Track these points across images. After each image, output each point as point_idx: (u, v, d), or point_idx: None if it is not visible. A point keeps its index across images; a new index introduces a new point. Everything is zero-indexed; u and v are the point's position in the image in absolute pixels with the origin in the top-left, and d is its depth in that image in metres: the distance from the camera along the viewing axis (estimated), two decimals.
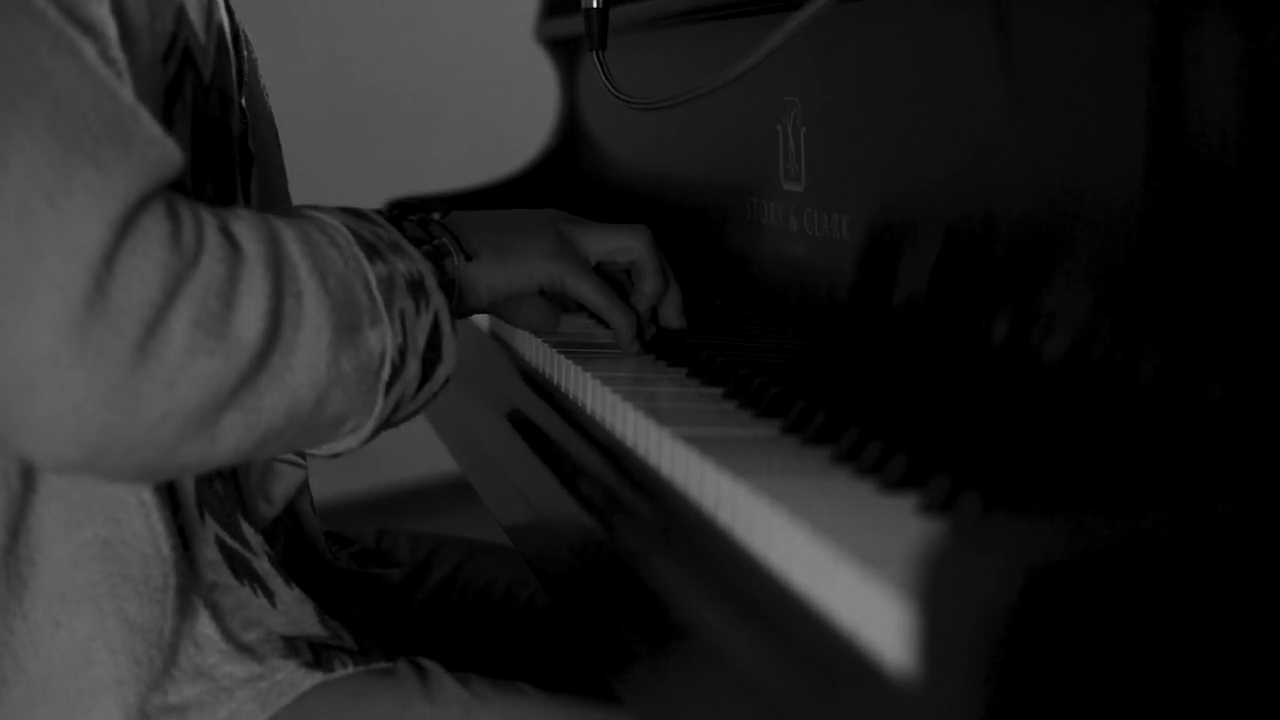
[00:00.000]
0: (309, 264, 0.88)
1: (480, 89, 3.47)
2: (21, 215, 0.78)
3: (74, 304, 0.78)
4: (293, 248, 0.88)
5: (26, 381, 0.79)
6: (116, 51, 0.85)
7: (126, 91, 0.83)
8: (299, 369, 0.86)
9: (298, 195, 1.14)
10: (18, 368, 0.79)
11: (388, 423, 0.94)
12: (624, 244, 1.15)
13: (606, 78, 1.20)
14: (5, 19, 0.81)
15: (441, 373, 0.96)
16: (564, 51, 1.82)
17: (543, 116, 1.87)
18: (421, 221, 1.04)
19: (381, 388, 0.91)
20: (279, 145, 1.12)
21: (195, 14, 0.96)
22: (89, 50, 0.82)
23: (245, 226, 0.86)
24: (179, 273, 0.81)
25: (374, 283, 0.91)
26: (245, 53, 1.05)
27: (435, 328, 0.94)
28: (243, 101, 1.03)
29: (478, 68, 3.47)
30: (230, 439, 0.85)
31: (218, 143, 1.00)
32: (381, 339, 0.90)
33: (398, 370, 0.92)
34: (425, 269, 0.95)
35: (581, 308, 1.18)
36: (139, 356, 0.80)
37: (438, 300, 0.95)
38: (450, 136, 3.40)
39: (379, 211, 1.01)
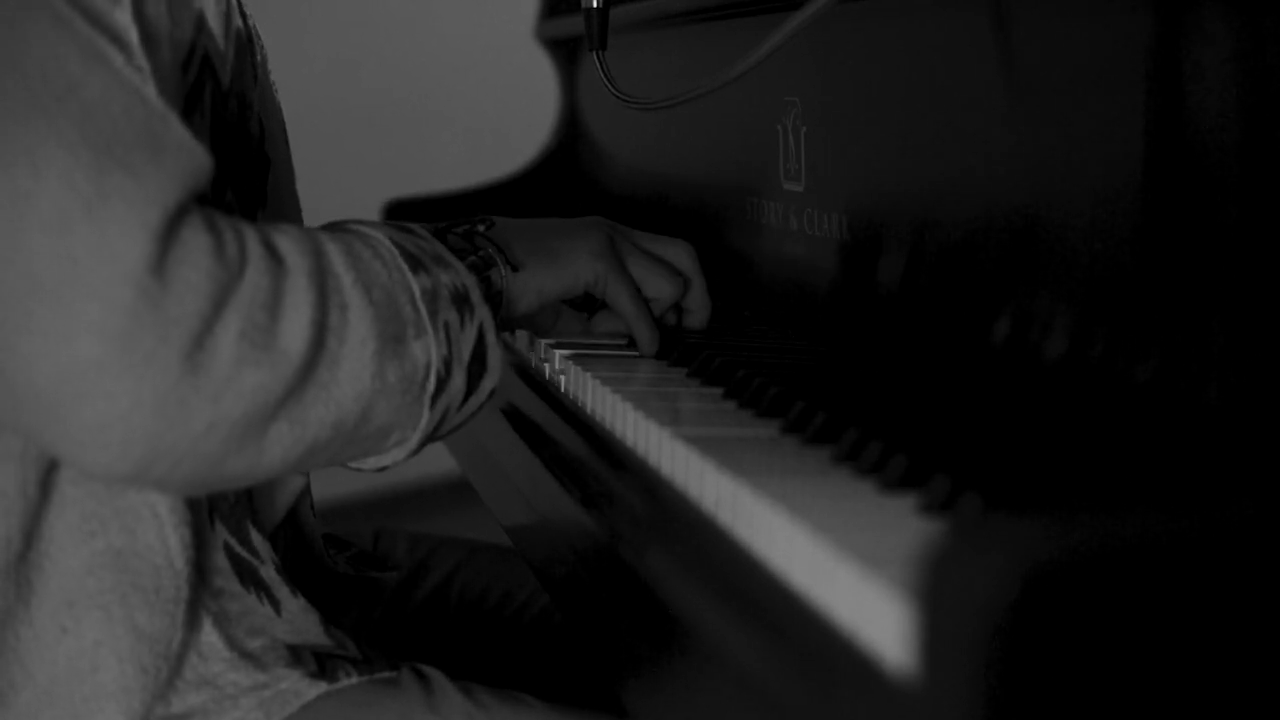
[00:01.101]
0: (353, 276, 0.88)
1: (480, 89, 3.47)
2: (59, 224, 0.78)
3: (120, 312, 0.78)
4: (336, 260, 0.88)
5: (74, 390, 0.79)
6: (141, 59, 0.85)
7: (155, 98, 0.83)
8: (344, 381, 0.86)
9: (300, 195, 1.14)
10: (66, 376, 0.78)
11: (433, 435, 0.94)
12: (672, 253, 1.16)
13: (606, 78, 1.20)
14: (35, 29, 0.81)
15: (487, 384, 0.95)
16: (564, 51, 1.82)
17: (543, 116, 1.87)
18: (466, 234, 1.04)
19: (427, 399, 0.91)
20: (287, 143, 1.12)
21: (214, 21, 0.95)
22: (117, 58, 0.82)
23: (288, 240, 0.86)
24: (225, 284, 0.81)
25: (418, 294, 0.91)
26: (257, 50, 1.05)
27: (480, 339, 0.94)
28: (256, 103, 1.03)
29: (478, 68, 3.47)
30: (277, 451, 0.85)
31: (237, 148, 1.00)
32: (426, 351, 0.90)
33: (443, 382, 0.92)
34: (469, 281, 0.95)
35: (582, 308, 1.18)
36: (186, 367, 0.80)
37: (482, 312, 0.95)
38: (451, 137, 3.40)
39: (423, 224, 1.01)
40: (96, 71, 0.81)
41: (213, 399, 0.81)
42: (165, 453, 0.81)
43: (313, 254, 0.87)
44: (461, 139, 3.38)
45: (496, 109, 3.37)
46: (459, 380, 0.93)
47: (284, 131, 1.11)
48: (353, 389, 0.86)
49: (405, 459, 0.95)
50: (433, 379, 0.91)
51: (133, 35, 0.85)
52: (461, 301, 0.94)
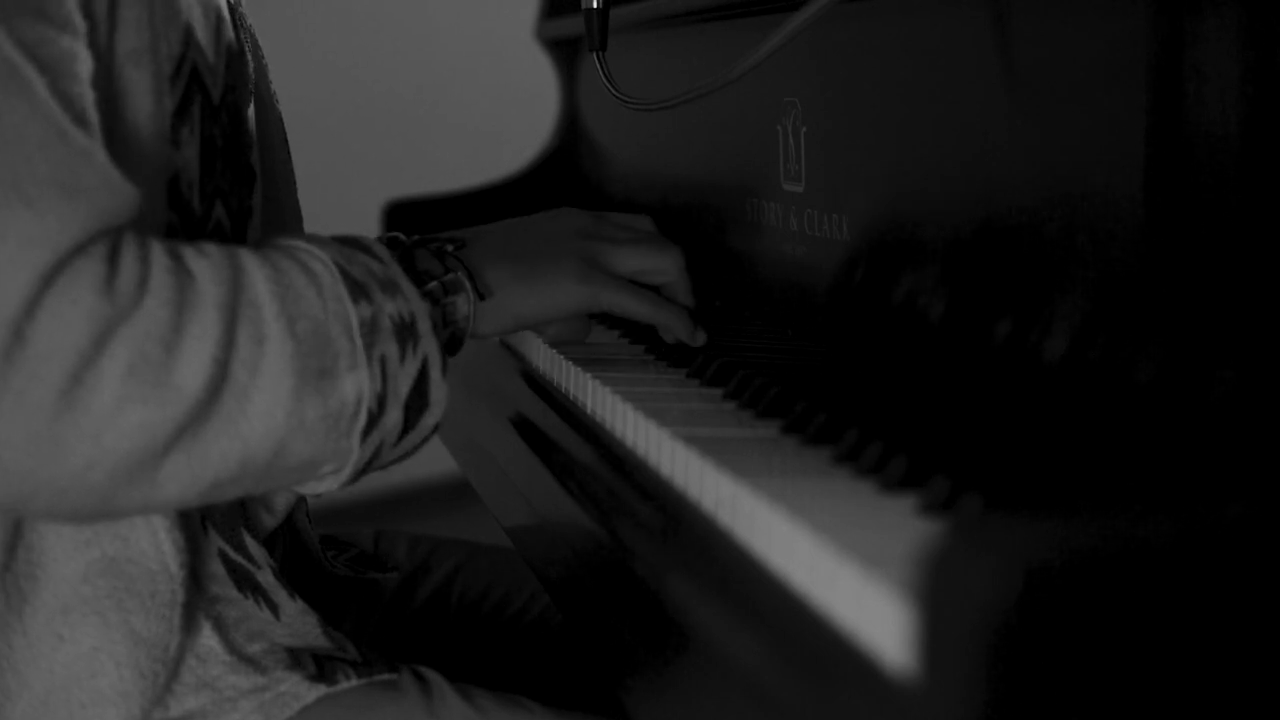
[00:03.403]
0: (277, 306, 0.85)
1: (480, 89, 3.47)
2: None
3: None
4: (260, 289, 0.85)
5: None
6: (84, 88, 0.83)
7: (80, 134, 0.81)
8: (254, 416, 0.83)
9: (300, 196, 1.14)
10: None
11: (368, 468, 0.92)
12: (656, 265, 1.11)
13: (606, 78, 1.20)
14: None
15: (429, 420, 0.92)
16: (564, 51, 1.82)
17: (543, 116, 1.87)
18: (438, 252, 1.00)
19: (357, 435, 0.88)
20: (288, 150, 1.11)
21: (203, 34, 0.94)
22: (41, 90, 0.80)
23: (207, 265, 0.84)
24: (110, 319, 0.79)
25: (355, 325, 0.87)
26: (253, 59, 1.04)
27: (423, 374, 0.91)
28: (250, 117, 1.02)
29: (478, 68, 3.47)
30: (174, 486, 0.83)
31: (228, 162, 0.98)
32: (358, 385, 0.87)
33: (375, 418, 0.88)
34: (420, 310, 0.91)
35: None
36: (61, 404, 0.78)
37: (429, 345, 0.91)
38: (451, 137, 3.40)
39: (392, 238, 0.98)
40: (16, 103, 0.80)
41: (92, 436, 0.79)
42: (42, 487, 0.80)
43: (229, 283, 0.84)
44: (461, 139, 3.38)
45: (496, 109, 3.37)
46: (394, 415, 0.90)
47: (285, 141, 1.10)
48: (263, 425, 0.84)
49: (339, 489, 0.92)
50: (363, 415, 0.88)
51: (78, 64, 0.83)
52: (405, 332, 0.90)
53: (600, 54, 1.20)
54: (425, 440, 0.94)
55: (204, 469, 0.83)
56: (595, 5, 1.21)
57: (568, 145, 1.81)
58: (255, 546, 0.99)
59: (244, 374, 0.83)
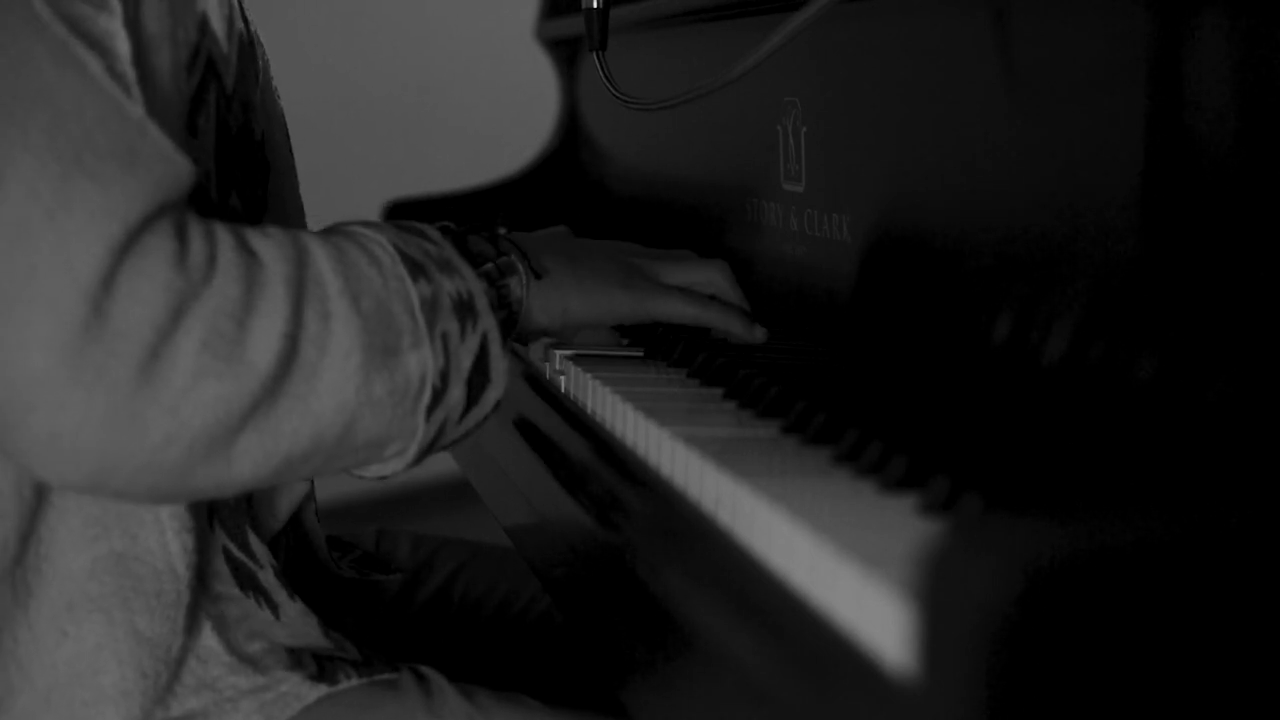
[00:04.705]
0: (340, 284, 0.86)
1: (480, 89, 3.47)
2: (19, 234, 0.77)
3: (69, 325, 0.77)
4: (323, 266, 0.86)
5: (24, 402, 0.78)
6: (126, 66, 0.84)
7: (134, 107, 0.82)
8: (324, 393, 0.84)
9: (302, 196, 1.14)
10: (14, 388, 0.78)
11: (433, 447, 0.92)
12: (705, 277, 1.12)
13: (606, 78, 1.20)
14: (7, 32, 0.80)
15: (491, 396, 0.93)
16: (564, 51, 1.82)
17: (543, 116, 1.87)
18: (490, 237, 1.01)
19: (422, 412, 0.89)
20: (290, 147, 1.11)
21: (218, 23, 0.95)
22: (94, 65, 0.81)
23: (272, 245, 0.85)
24: (185, 293, 0.79)
25: (416, 304, 0.88)
26: (259, 55, 1.05)
27: (483, 350, 0.92)
28: (259, 107, 1.02)
29: (478, 68, 3.47)
30: (247, 463, 0.83)
31: (242, 152, 0.99)
32: (422, 362, 0.88)
33: (439, 394, 0.89)
34: (476, 288, 0.92)
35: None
36: (141, 379, 0.78)
37: (487, 321, 0.92)
38: (451, 137, 3.40)
39: (443, 226, 0.99)
40: (70, 78, 0.80)
41: (170, 411, 0.79)
42: (121, 464, 0.80)
43: (294, 261, 0.85)
44: (461, 139, 3.38)
45: (496, 109, 3.37)
46: (457, 392, 0.90)
47: (287, 138, 1.10)
48: (334, 401, 0.84)
49: (405, 469, 0.93)
50: (428, 391, 0.88)
51: (120, 43, 0.84)
52: (464, 310, 0.91)
53: (600, 54, 1.20)
54: (487, 418, 0.94)
55: (276, 446, 0.83)
56: (595, 5, 1.21)
57: (568, 145, 1.81)
58: (258, 545, 0.99)
59: (313, 350, 0.84)
